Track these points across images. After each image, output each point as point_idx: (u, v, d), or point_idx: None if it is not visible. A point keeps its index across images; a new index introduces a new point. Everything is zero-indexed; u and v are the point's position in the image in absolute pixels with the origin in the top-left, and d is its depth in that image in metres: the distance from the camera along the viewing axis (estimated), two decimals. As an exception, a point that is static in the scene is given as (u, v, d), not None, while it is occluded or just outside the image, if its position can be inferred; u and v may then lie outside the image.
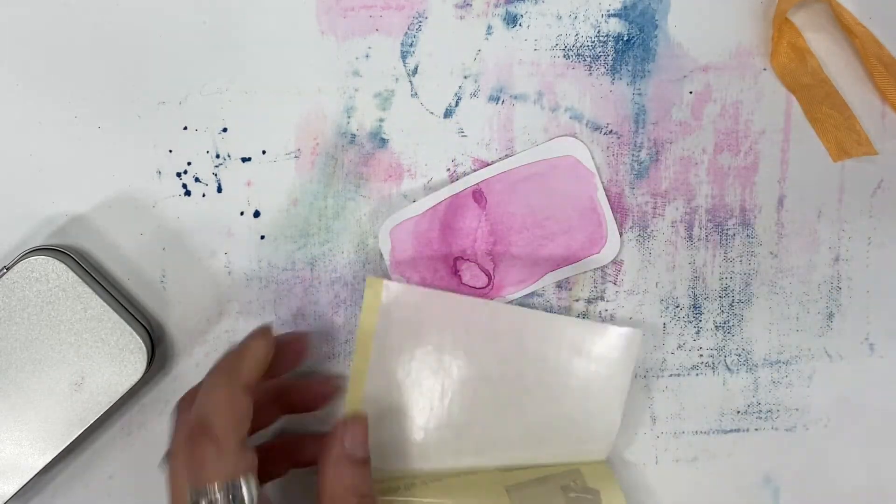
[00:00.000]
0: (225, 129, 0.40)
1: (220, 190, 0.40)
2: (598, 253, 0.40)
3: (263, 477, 0.34)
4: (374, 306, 0.39)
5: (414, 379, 0.39)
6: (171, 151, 0.39)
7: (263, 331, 0.35)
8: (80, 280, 0.37)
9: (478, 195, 0.39)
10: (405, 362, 0.39)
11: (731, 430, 0.42)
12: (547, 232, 0.40)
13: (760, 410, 0.42)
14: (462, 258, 0.39)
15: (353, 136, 0.40)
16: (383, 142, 0.40)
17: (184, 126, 0.39)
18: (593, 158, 0.40)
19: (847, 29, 0.39)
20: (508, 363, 0.39)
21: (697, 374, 0.42)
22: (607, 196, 0.40)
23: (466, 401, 0.39)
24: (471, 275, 0.39)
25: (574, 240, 0.40)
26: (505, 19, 0.40)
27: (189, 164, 0.40)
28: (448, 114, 0.40)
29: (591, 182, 0.40)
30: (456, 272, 0.39)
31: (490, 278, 0.39)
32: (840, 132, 0.40)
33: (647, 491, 0.42)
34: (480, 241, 0.39)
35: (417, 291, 0.39)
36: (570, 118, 0.40)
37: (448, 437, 0.40)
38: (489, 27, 0.40)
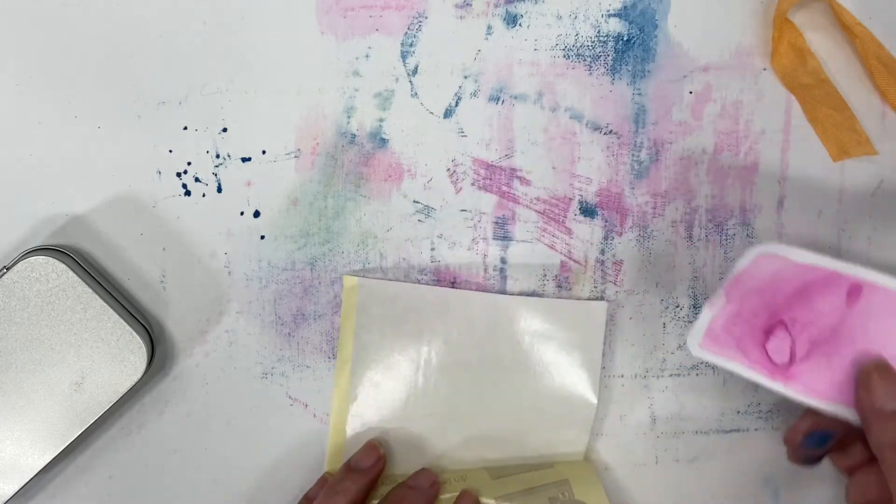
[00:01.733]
0: (225, 129, 0.40)
1: (220, 190, 0.40)
2: None
3: None
4: (351, 304, 0.40)
5: (396, 372, 0.40)
6: (171, 151, 0.39)
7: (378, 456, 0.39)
8: (80, 280, 0.37)
9: (855, 289, 0.34)
10: (386, 356, 0.40)
11: (731, 430, 0.42)
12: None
13: (760, 410, 0.42)
14: (785, 326, 0.35)
15: (353, 136, 0.40)
16: (383, 142, 0.40)
17: (184, 126, 0.39)
18: None
19: (847, 29, 0.39)
20: (485, 348, 0.40)
21: (697, 374, 0.42)
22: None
23: (448, 388, 0.40)
24: (777, 346, 0.35)
25: None
26: (505, 19, 0.40)
27: (189, 164, 0.40)
28: (448, 114, 0.40)
29: None
30: (768, 332, 0.35)
31: (791, 363, 0.35)
32: (840, 132, 0.40)
33: (647, 491, 0.42)
34: (817, 327, 0.35)
35: (392, 286, 0.40)
36: (570, 118, 0.40)
37: (433, 428, 0.41)
38: (489, 27, 0.40)
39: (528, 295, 0.41)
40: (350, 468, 0.39)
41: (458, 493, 0.38)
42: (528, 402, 0.41)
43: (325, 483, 0.39)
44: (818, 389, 0.35)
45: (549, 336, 0.40)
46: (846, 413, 0.34)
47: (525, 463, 0.41)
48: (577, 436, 0.41)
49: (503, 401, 0.40)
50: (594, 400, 0.41)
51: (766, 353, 0.35)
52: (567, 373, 0.41)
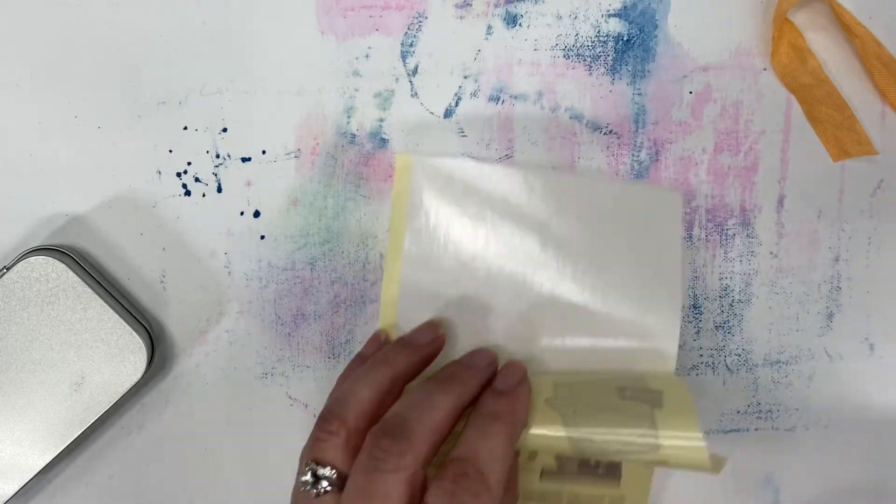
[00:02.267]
0: (225, 129, 0.40)
1: (220, 190, 0.40)
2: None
3: None
4: (404, 185, 0.36)
5: (453, 257, 0.37)
6: (171, 151, 0.39)
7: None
8: (80, 280, 0.37)
9: None
10: (441, 240, 0.37)
11: (731, 430, 0.42)
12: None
13: (760, 410, 0.42)
14: None
15: (353, 136, 0.40)
16: (383, 142, 0.40)
17: (184, 126, 0.39)
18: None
19: (847, 29, 0.39)
20: (549, 231, 0.36)
21: (697, 374, 0.42)
22: None
23: (510, 276, 0.36)
24: None
25: None
26: (505, 19, 0.40)
27: (189, 164, 0.40)
28: (448, 114, 0.40)
29: None
30: None
31: None
32: (840, 132, 0.40)
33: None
34: None
35: (450, 162, 0.36)
36: (570, 118, 0.40)
37: (491, 320, 0.37)
38: (489, 27, 0.40)
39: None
40: (403, 341, 0.35)
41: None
42: (601, 296, 0.36)
43: (379, 342, 0.36)
44: None
45: (621, 222, 0.36)
46: None
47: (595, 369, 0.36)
48: (659, 350, 0.36)
49: (571, 294, 0.36)
50: (679, 303, 0.36)
51: None
52: (644, 266, 0.36)
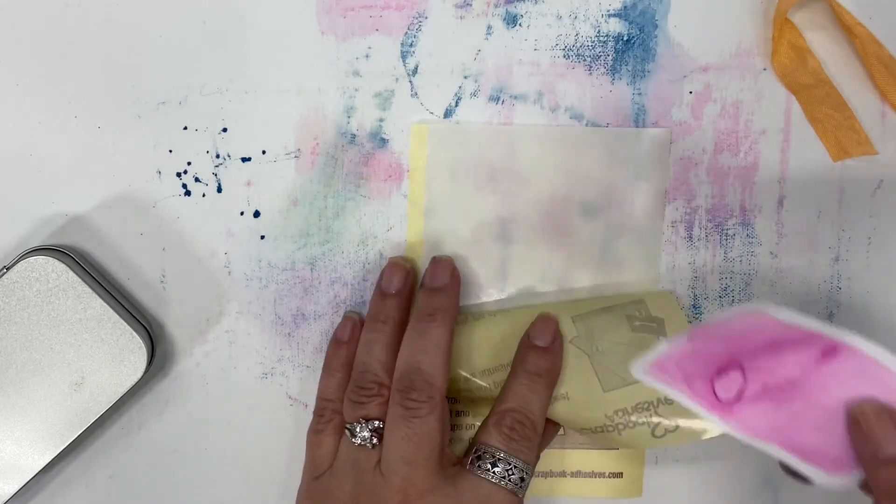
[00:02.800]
0: (225, 129, 0.40)
1: (220, 190, 0.40)
2: (827, 474, 0.32)
3: None
4: (422, 153, 0.40)
5: (472, 214, 0.40)
6: (171, 151, 0.39)
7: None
8: (80, 280, 0.37)
9: (830, 351, 0.32)
10: (460, 199, 0.40)
11: (731, 430, 0.42)
12: (823, 425, 0.32)
13: (760, 410, 0.42)
14: (742, 370, 0.33)
15: (353, 136, 0.40)
16: (383, 142, 0.40)
17: (184, 126, 0.39)
18: None
19: (847, 29, 0.39)
20: (557, 181, 0.40)
21: (697, 374, 0.42)
22: None
23: (524, 226, 0.40)
24: (727, 384, 0.33)
25: (832, 447, 0.32)
26: (505, 19, 0.40)
27: (189, 164, 0.40)
28: (448, 114, 0.40)
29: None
30: (720, 370, 0.33)
31: (737, 401, 0.33)
32: (840, 132, 0.40)
33: (647, 491, 0.42)
34: (776, 376, 0.33)
35: (464, 127, 0.40)
36: (570, 118, 0.40)
37: (512, 267, 0.41)
38: (489, 27, 0.40)
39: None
40: (387, 295, 0.39)
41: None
42: (600, 236, 0.40)
43: (354, 322, 0.40)
44: (756, 429, 0.33)
45: (617, 165, 0.40)
46: (778, 454, 0.32)
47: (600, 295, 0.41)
48: (647, 271, 0.41)
49: (576, 238, 0.40)
50: (660, 230, 0.41)
51: (713, 388, 0.34)
52: (637, 204, 0.40)
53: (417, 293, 0.39)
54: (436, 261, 0.39)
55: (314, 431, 0.38)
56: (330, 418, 0.38)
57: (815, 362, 0.32)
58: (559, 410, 0.38)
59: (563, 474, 0.42)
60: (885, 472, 0.30)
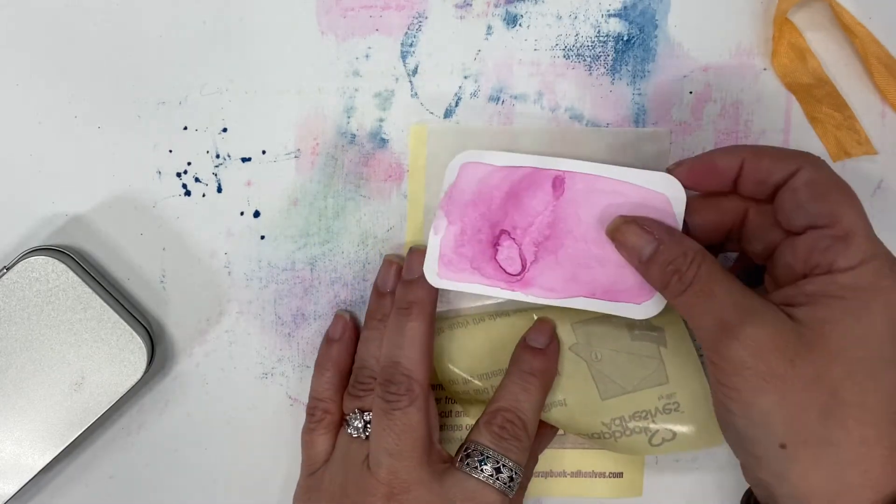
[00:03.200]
0: (225, 129, 0.40)
1: (220, 190, 0.40)
2: (637, 305, 0.36)
3: None
4: (421, 153, 0.40)
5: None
6: (171, 151, 0.39)
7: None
8: (80, 280, 0.37)
9: (558, 181, 0.37)
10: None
11: (731, 430, 0.42)
12: (602, 255, 0.36)
13: (760, 410, 0.42)
14: (509, 234, 0.37)
15: (353, 136, 0.40)
16: (383, 142, 0.40)
17: (184, 126, 0.39)
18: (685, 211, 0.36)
19: (847, 29, 0.39)
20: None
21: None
22: None
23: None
24: (508, 255, 0.37)
25: (622, 280, 0.36)
26: (505, 19, 0.40)
27: (189, 164, 0.40)
28: (448, 114, 0.40)
29: None
30: (495, 245, 0.37)
31: (524, 269, 0.37)
32: (840, 132, 0.40)
33: (647, 491, 0.42)
34: (536, 227, 0.37)
35: (459, 128, 0.40)
36: (570, 118, 0.40)
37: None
38: (489, 27, 0.40)
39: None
40: (383, 293, 0.39)
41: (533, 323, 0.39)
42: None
43: (344, 321, 0.40)
44: (554, 288, 0.37)
45: (616, 158, 0.39)
46: (588, 306, 0.37)
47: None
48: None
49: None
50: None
51: (500, 266, 0.37)
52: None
53: (398, 286, 0.39)
54: (411, 251, 0.39)
55: (306, 431, 0.39)
56: (321, 418, 0.38)
57: (554, 198, 0.36)
58: (557, 416, 0.38)
59: (563, 474, 0.42)
60: (651, 271, 0.34)
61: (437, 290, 0.38)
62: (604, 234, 0.36)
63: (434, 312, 0.38)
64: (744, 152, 0.34)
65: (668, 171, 0.36)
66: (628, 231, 0.35)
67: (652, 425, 0.37)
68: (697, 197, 0.36)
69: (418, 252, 0.38)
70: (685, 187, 0.36)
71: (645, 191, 0.36)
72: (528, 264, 0.37)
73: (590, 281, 0.37)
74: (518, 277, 0.37)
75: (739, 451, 0.33)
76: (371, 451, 0.36)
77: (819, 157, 0.33)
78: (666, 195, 0.36)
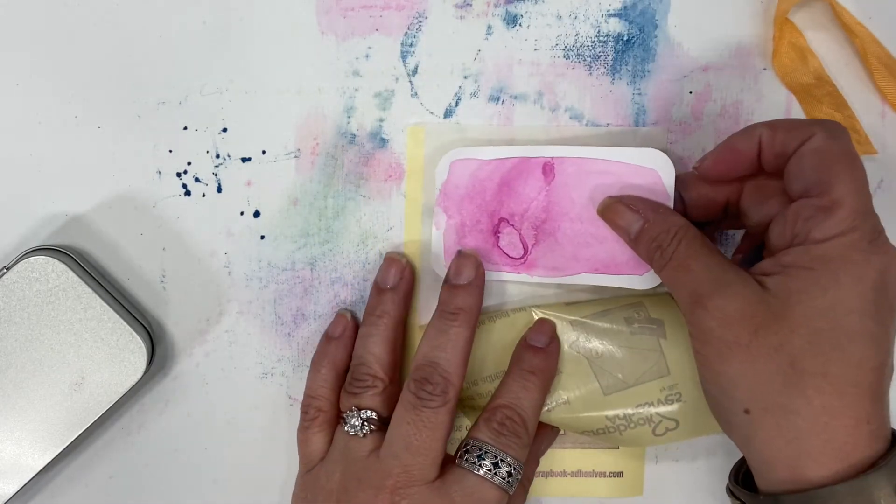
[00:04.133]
0: (225, 129, 0.40)
1: (220, 190, 0.40)
2: (640, 276, 0.38)
3: None
4: (419, 153, 0.40)
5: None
6: (171, 151, 0.39)
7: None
8: (80, 280, 0.37)
9: (548, 167, 0.38)
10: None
11: (731, 430, 0.42)
12: (599, 233, 0.38)
13: (760, 410, 0.42)
14: (507, 222, 0.38)
15: (353, 136, 0.40)
16: (383, 142, 0.40)
17: (184, 126, 0.39)
18: (675, 184, 0.37)
19: (847, 29, 0.39)
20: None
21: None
22: None
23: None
24: (509, 241, 0.39)
25: (621, 253, 0.38)
26: (505, 19, 0.40)
27: (189, 164, 0.40)
28: (448, 114, 0.40)
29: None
30: (496, 232, 0.38)
31: (526, 252, 0.38)
32: (840, 132, 0.40)
33: (647, 491, 0.42)
34: (532, 213, 0.38)
35: (457, 128, 0.40)
36: (570, 118, 0.40)
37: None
38: (489, 27, 0.40)
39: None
40: (383, 290, 0.39)
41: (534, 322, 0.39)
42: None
43: (345, 321, 0.40)
44: (557, 267, 0.38)
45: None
46: (591, 281, 0.38)
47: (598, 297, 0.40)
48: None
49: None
50: None
51: (503, 251, 0.39)
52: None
53: (441, 288, 0.38)
54: (461, 255, 0.38)
55: (301, 430, 0.39)
56: (314, 416, 0.38)
57: (546, 183, 0.37)
58: (561, 415, 0.38)
59: (563, 474, 0.42)
60: (639, 247, 0.35)
61: (483, 297, 0.38)
62: (591, 210, 0.38)
63: (477, 321, 0.38)
64: (759, 130, 0.34)
65: (695, 168, 0.36)
66: (616, 210, 0.36)
67: (655, 416, 0.37)
68: (691, 173, 0.37)
69: (470, 256, 0.38)
70: (715, 180, 0.36)
71: (634, 167, 0.37)
72: (530, 247, 0.39)
73: (590, 257, 0.38)
74: (522, 260, 0.39)
75: (715, 417, 0.34)
76: (387, 443, 0.36)
77: (837, 124, 0.33)
78: (655, 170, 0.37)
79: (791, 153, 0.33)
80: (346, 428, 0.37)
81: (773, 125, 0.33)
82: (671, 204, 0.37)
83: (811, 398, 0.30)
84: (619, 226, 0.36)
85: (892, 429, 0.32)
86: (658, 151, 0.37)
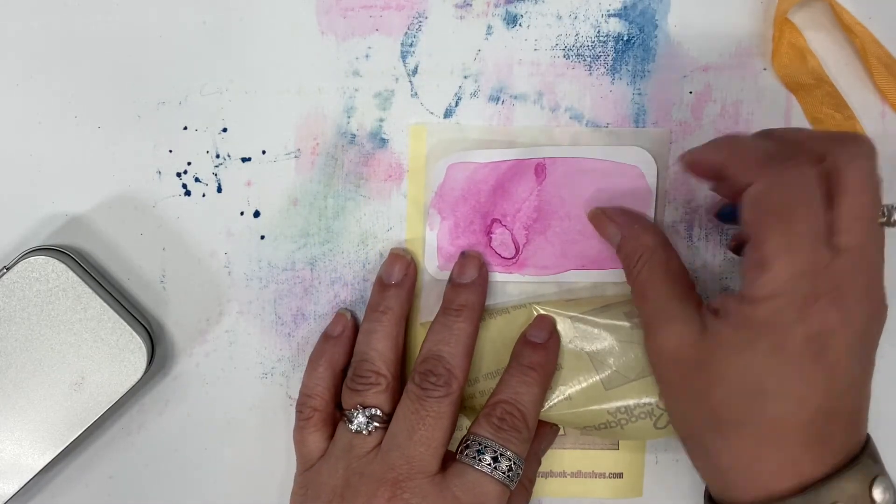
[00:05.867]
0: (225, 129, 0.40)
1: (220, 190, 0.40)
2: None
3: None
4: (421, 153, 0.40)
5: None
6: (171, 151, 0.39)
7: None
8: (80, 280, 0.37)
9: (540, 168, 0.39)
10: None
11: (731, 430, 0.42)
12: (586, 229, 0.39)
13: (760, 410, 0.42)
14: (499, 222, 0.39)
15: (353, 136, 0.40)
16: (383, 142, 0.40)
17: (184, 126, 0.39)
18: (657, 180, 0.39)
19: (847, 29, 0.39)
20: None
21: (697, 374, 0.42)
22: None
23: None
24: (501, 241, 0.39)
25: (607, 247, 0.39)
26: (505, 19, 0.40)
27: (189, 164, 0.40)
28: (448, 114, 0.40)
29: (646, 200, 0.40)
30: (488, 233, 0.39)
31: (517, 252, 0.40)
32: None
33: (647, 491, 0.42)
34: (524, 213, 0.39)
35: (459, 128, 0.40)
36: (571, 118, 0.40)
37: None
38: (489, 27, 0.40)
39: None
40: (386, 285, 0.39)
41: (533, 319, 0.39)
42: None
43: (345, 320, 0.40)
44: (547, 265, 0.40)
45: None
46: (581, 277, 0.40)
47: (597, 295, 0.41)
48: None
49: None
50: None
51: (496, 251, 0.40)
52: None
53: (445, 287, 0.39)
54: (465, 256, 0.39)
55: (297, 430, 0.39)
56: (309, 415, 0.38)
57: (537, 183, 0.38)
58: (562, 412, 0.38)
59: (563, 474, 0.42)
60: (620, 258, 0.37)
61: (486, 295, 0.39)
62: (587, 209, 0.39)
63: (480, 317, 0.39)
64: (722, 154, 0.33)
65: (678, 160, 0.36)
66: (600, 221, 0.39)
67: (657, 409, 0.38)
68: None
69: (473, 256, 0.39)
70: (698, 176, 0.36)
71: (619, 165, 0.39)
72: (521, 247, 0.40)
73: (578, 254, 0.40)
74: (513, 260, 0.40)
75: None
76: (390, 435, 0.36)
77: (786, 168, 0.31)
78: (639, 167, 0.39)
79: (739, 192, 0.32)
80: (350, 426, 0.37)
81: (731, 157, 0.32)
82: (652, 200, 0.39)
83: (731, 443, 0.33)
84: (605, 235, 0.38)
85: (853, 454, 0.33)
86: (642, 150, 0.39)
